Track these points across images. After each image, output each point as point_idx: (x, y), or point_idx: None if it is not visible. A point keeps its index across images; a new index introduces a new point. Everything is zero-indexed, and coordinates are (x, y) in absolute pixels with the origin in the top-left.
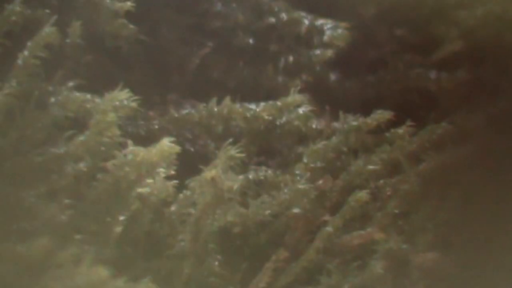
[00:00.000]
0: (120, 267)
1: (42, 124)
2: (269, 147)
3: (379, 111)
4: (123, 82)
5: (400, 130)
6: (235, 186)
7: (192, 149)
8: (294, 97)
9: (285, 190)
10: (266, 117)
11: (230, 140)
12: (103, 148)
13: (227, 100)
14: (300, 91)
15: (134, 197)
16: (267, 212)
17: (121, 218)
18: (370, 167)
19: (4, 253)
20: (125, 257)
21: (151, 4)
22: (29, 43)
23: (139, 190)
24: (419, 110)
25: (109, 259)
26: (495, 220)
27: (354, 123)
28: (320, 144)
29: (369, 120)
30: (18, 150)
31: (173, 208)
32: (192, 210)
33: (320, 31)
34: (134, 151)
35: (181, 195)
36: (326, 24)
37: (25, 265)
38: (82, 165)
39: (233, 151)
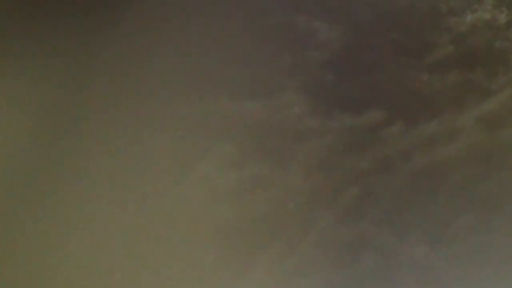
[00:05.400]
0: None
1: None
2: (265, 144)
3: (373, 111)
4: None
5: (393, 129)
6: (230, 182)
7: (189, 146)
8: (289, 96)
9: (280, 186)
10: (262, 116)
11: (227, 137)
12: None
13: (224, 99)
14: (296, 91)
15: None
16: (262, 207)
17: None
18: (363, 164)
19: None
20: None
21: (151, 3)
22: None
23: None
24: (411, 110)
25: None
26: (482, 215)
27: (348, 122)
28: (315, 142)
29: (363, 119)
30: None
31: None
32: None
33: (316, 33)
34: None
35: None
36: (322, 26)
37: None
38: None
39: (229, 148)
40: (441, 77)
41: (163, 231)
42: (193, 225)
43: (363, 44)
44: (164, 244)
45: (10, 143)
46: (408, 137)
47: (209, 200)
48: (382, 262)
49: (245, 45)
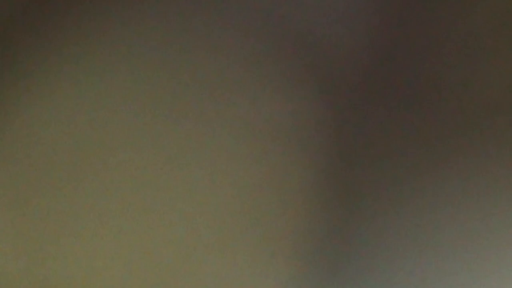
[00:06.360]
0: None
1: None
2: (273, 144)
3: (378, 111)
4: None
5: (395, 129)
6: (240, 180)
7: (201, 145)
8: (296, 96)
9: (288, 184)
10: (272, 116)
11: (236, 137)
12: None
13: (236, 100)
14: (303, 94)
15: None
16: (271, 203)
17: None
18: (368, 162)
19: None
20: None
21: (158, 6)
22: None
23: None
24: (417, 104)
25: None
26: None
27: (355, 122)
28: (321, 142)
29: (367, 119)
30: None
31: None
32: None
33: (322, 36)
34: None
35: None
36: (327, 28)
37: None
38: None
39: (238, 147)
40: (448, 70)
41: (175, 224)
42: (203, 219)
43: (373, 47)
44: (176, 236)
45: None
46: (409, 136)
47: (220, 197)
48: (384, 259)
49: (262, 50)
